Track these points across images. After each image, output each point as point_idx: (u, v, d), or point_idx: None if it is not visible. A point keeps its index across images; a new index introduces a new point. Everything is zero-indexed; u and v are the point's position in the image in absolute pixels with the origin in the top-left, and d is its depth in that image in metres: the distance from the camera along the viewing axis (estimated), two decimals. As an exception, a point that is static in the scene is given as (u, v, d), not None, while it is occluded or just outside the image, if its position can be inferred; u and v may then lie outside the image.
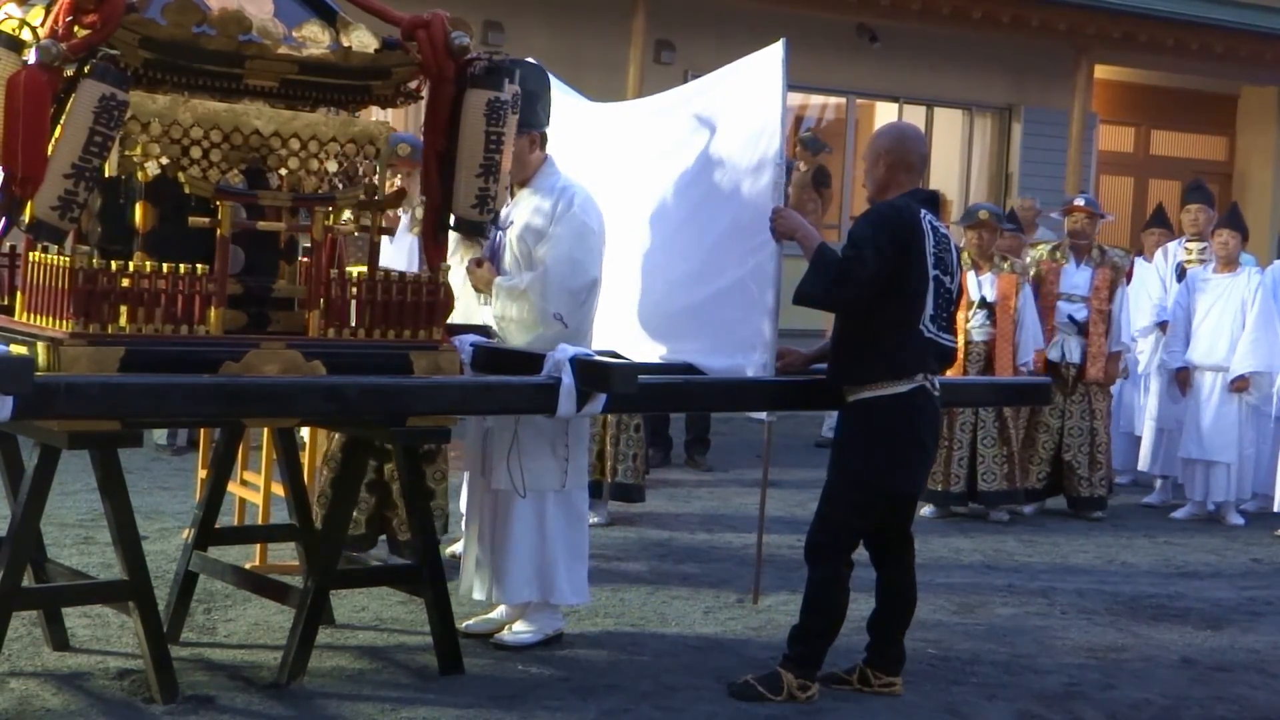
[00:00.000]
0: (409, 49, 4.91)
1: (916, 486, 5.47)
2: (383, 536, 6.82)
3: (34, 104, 4.33)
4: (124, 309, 4.51)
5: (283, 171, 4.80)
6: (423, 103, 5.13)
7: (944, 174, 17.09)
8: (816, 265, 5.23)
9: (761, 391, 5.83)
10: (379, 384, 4.81)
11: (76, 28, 4.43)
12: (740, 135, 5.92)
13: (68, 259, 4.48)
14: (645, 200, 6.20)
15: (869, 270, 5.11)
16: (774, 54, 5.88)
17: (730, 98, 6.05)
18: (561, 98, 6.68)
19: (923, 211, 5.23)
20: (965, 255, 9.10)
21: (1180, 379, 9.89)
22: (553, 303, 5.48)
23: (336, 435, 6.34)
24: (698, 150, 6.07)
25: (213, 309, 4.63)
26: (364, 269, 5.05)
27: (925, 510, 9.18)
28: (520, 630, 5.72)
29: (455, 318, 5.43)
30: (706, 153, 6.03)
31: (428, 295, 5.00)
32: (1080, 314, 9.36)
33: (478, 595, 5.79)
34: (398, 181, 6.51)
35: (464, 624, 5.68)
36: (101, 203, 4.80)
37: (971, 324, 9.02)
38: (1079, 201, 9.81)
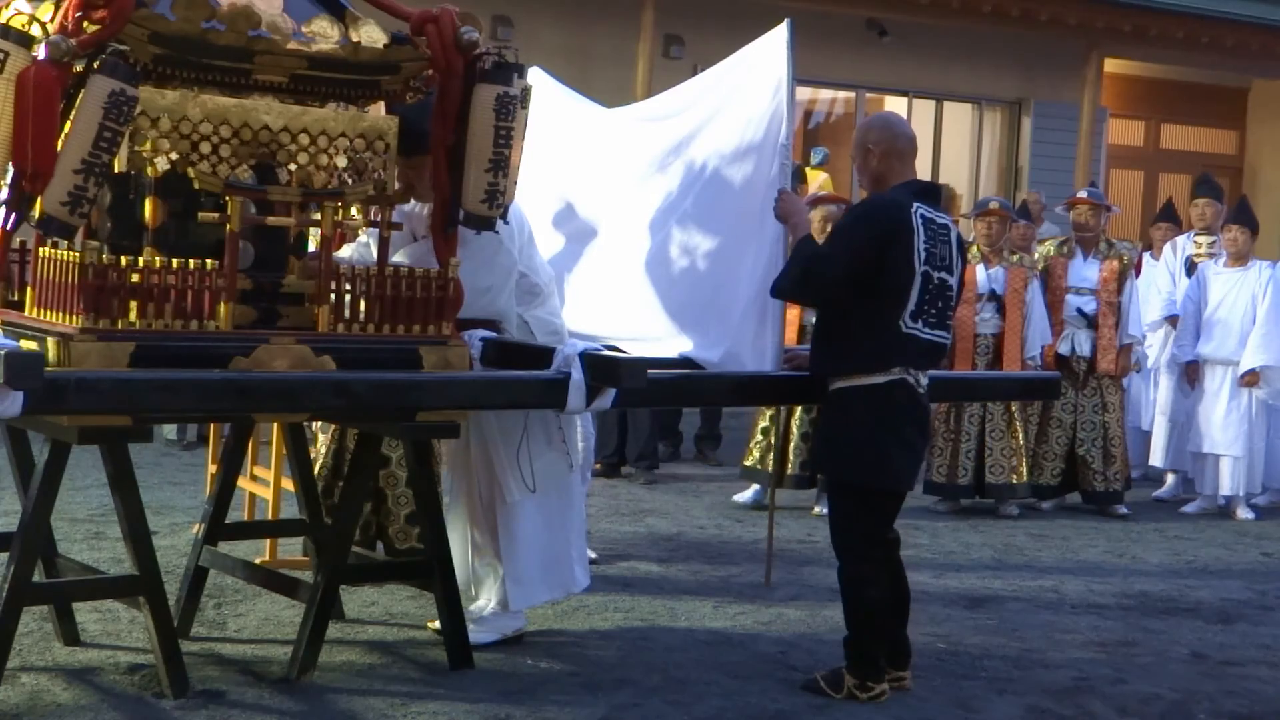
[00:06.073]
0: (418, 44, 4.91)
1: (901, 483, 5.30)
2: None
3: (43, 100, 4.34)
4: (134, 304, 4.51)
5: (292, 167, 4.80)
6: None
7: (954, 168, 17.08)
8: (791, 260, 5.29)
9: (771, 386, 5.82)
10: (389, 379, 4.81)
11: (86, 23, 4.43)
12: (747, 123, 5.89)
13: (78, 254, 4.49)
14: (653, 198, 6.19)
15: (837, 270, 5.10)
16: (778, 37, 5.85)
17: (736, 86, 6.03)
18: (568, 102, 6.67)
19: (915, 204, 5.16)
20: (975, 248, 9.11)
21: (1189, 372, 9.89)
22: None
23: (328, 446, 6.33)
24: (705, 144, 6.05)
25: (222, 304, 4.63)
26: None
27: (933, 503, 9.20)
28: (477, 630, 5.59)
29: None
30: (713, 145, 6.01)
31: (437, 290, 5.00)
32: (1089, 307, 9.36)
33: (481, 601, 5.79)
34: None
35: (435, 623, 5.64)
36: (111, 198, 4.81)
37: (980, 317, 9.03)
38: (1082, 194, 9.84)
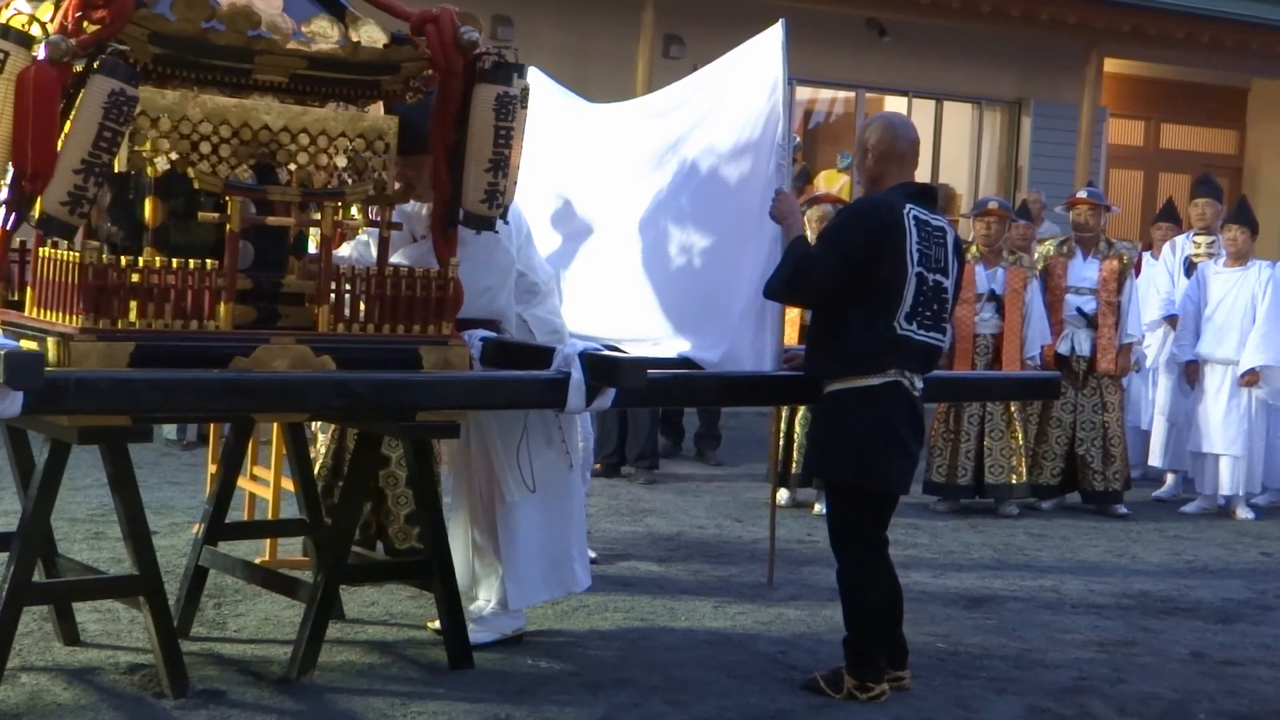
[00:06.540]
0: (418, 44, 4.91)
1: (894, 485, 5.28)
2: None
3: (43, 99, 4.34)
4: (134, 304, 4.51)
5: (292, 167, 4.80)
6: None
7: (953, 168, 17.07)
8: (782, 261, 5.30)
9: (769, 386, 5.82)
10: (388, 379, 4.81)
11: (86, 23, 4.43)
12: (743, 122, 5.89)
13: (77, 254, 4.49)
14: (649, 196, 6.19)
15: (826, 272, 5.10)
16: (773, 36, 5.84)
17: (732, 85, 6.04)
18: (562, 101, 6.68)
19: (909, 206, 5.14)
20: (974, 248, 9.11)
21: (1189, 372, 9.90)
22: None
23: (328, 446, 6.33)
24: (700, 142, 6.06)
25: (222, 304, 4.63)
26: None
27: (933, 503, 9.20)
28: (476, 630, 5.60)
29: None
30: (709, 144, 6.01)
31: (437, 290, 5.00)
32: (1089, 306, 9.36)
33: (481, 601, 5.79)
34: None
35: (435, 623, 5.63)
36: (111, 198, 4.81)
37: (980, 317, 9.03)
38: (1082, 194, 9.84)
